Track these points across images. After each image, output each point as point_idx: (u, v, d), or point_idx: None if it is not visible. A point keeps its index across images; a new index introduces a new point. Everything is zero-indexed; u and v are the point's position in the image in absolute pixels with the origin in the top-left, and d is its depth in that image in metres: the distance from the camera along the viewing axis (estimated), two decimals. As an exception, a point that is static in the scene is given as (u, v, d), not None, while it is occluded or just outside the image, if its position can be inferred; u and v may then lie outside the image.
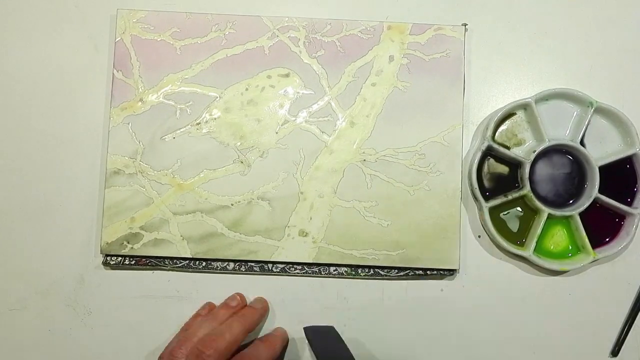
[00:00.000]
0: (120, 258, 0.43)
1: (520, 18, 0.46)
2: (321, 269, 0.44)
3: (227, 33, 0.45)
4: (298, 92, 0.44)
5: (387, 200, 0.43)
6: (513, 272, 0.44)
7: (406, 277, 0.44)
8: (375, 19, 0.45)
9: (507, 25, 0.46)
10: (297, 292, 0.44)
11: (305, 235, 0.43)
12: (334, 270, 0.44)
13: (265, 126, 0.44)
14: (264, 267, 0.44)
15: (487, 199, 0.43)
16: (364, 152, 0.44)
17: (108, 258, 0.43)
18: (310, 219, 0.43)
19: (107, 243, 0.43)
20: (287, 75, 0.44)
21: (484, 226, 0.43)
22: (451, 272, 0.43)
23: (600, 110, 0.44)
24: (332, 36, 0.45)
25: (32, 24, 0.46)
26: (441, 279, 0.44)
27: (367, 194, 0.44)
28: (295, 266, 0.44)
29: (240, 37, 0.45)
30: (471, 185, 0.43)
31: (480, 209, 0.44)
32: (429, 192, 0.43)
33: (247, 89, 0.44)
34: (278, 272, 0.44)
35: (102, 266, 0.44)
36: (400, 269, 0.43)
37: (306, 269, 0.44)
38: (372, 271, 0.44)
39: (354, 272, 0.44)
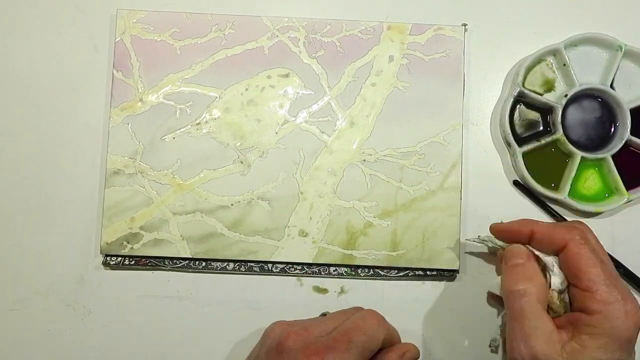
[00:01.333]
0: (120, 258, 0.43)
1: (520, 18, 0.46)
2: (321, 269, 0.44)
3: (227, 33, 0.45)
4: (298, 92, 0.44)
5: (387, 200, 0.43)
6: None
7: (406, 278, 0.44)
8: (375, 19, 0.45)
9: (507, 25, 0.46)
10: (297, 293, 0.44)
11: (305, 235, 0.43)
12: (333, 271, 0.44)
13: (265, 126, 0.44)
14: (263, 267, 0.44)
15: (520, 144, 0.43)
16: (363, 152, 0.44)
17: (108, 258, 0.43)
18: (310, 219, 0.43)
19: (107, 243, 0.43)
20: (287, 76, 0.44)
21: (517, 172, 0.44)
22: (451, 273, 0.43)
23: (629, 54, 0.44)
24: (332, 36, 0.45)
25: (32, 23, 0.46)
26: (441, 279, 0.44)
27: (367, 194, 0.44)
28: (295, 266, 0.44)
29: (240, 37, 0.45)
30: (504, 131, 0.44)
31: (513, 154, 0.44)
32: (429, 192, 0.43)
33: (247, 89, 0.44)
34: (278, 272, 0.44)
35: (102, 266, 0.44)
36: (400, 269, 0.43)
37: (306, 269, 0.44)
38: (372, 271, 0.44)
39: (354, 272, 0.44)
